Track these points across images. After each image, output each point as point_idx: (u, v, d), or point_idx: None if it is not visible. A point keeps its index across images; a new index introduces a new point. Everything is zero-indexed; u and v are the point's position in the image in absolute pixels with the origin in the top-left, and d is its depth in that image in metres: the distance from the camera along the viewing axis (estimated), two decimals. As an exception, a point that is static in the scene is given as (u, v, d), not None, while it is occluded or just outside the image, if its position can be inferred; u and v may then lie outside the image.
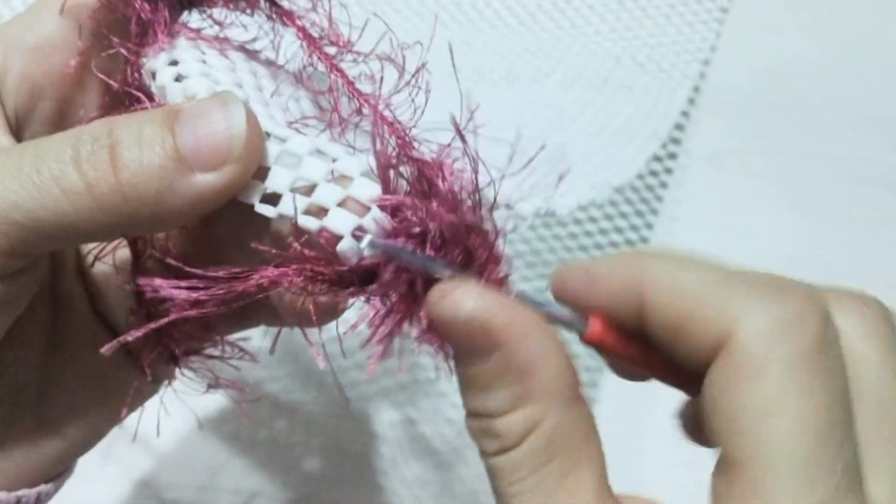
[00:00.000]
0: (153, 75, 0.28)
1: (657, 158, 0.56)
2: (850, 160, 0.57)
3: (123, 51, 0.28)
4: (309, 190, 0.25)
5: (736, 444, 0.21)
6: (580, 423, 0.24)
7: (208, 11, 0.29)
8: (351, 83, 0.28)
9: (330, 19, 0.28)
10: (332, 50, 0.28)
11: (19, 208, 0.23)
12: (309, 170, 0.25)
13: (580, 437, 0.24)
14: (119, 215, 0.23)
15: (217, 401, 0.51)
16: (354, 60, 0.28)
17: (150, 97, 0.28)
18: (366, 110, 0.27)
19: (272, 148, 0.25)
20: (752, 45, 0.58)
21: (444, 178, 0.24)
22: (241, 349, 0.33)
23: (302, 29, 0.28)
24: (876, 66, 0.57)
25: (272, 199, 0.25)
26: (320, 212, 0.25)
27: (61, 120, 0.29)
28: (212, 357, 0.33)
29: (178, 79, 0.27)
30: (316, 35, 0.29)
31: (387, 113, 0.26)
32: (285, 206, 0.25)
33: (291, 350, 0.53)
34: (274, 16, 0.29)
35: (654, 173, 0.57)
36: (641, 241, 0.56)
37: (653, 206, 0.56)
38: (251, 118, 0.24)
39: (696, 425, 0.27)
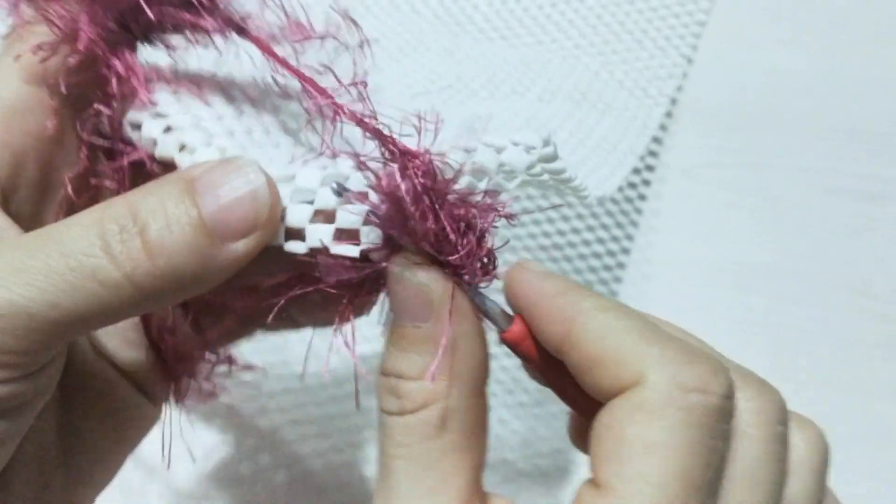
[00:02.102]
0: (135, 126, 0.27)
1: (636, 171, 0.57)
2: (823, 172, 0.57)
3: (103, 108, 0.27)
4: (328, 215, 0.25)
5: (613, 470, 0.23)
6: (476, 415, 0.26)
7: (164, 39, 0.28)
8: (321, 89, 0.27)
9: (287, 15, 0.28)
10: (296, 45, 0.28)
11: (58, 308, 0.23)
12: (325, 199, 0.25)
13: (471, 427, 0.26)
14: (159, 295, 0.24)
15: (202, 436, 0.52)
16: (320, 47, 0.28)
17: (131, 146, 0.28)
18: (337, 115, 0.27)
19: (283, 189, 0.25)
20: (729, 59, 0.59)
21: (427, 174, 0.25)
22: (248, 365, 0.34)
23: (265, 46, 0.28)
24: (850, 80, 0.58)
25: (294, 232, 0.26)
26: (345, 235, 0.25)
27: (45, 182, 0.29)
28: (219, 372, 0.33)
29: (167, 130, 0.27)
30: (277, 31, 0.28)
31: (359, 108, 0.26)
32: (314, 240, 0.25)
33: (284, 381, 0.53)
34: (231, 34, 0.28)
35: (632, 185, 0.57)
36: (623, 252, 0.57)
37: (632, 218, 0.57)
38: (270, 181, 0.25)
39: (581, 436, 0.29)
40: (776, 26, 0.60)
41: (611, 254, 0.57)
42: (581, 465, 0.55)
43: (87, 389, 0.30)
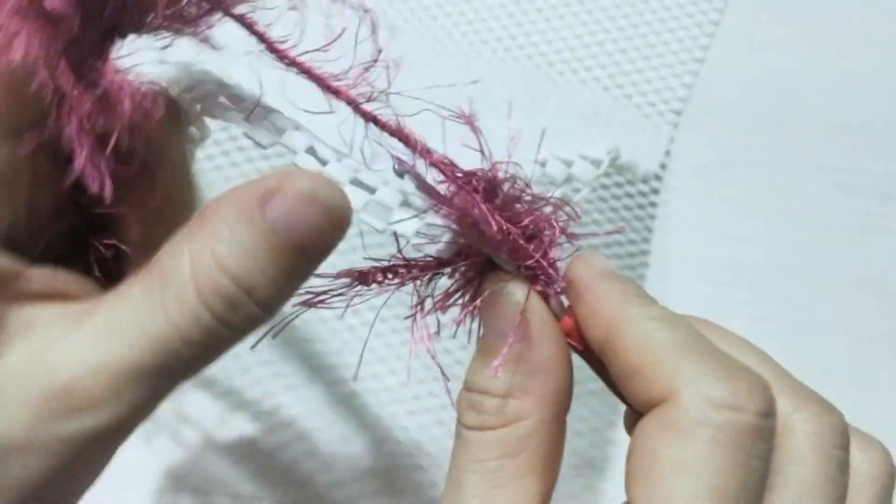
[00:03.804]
0: (260, 143, 0.25)
1: (656, 178, 0.56)
2: (836, 170, 0.57)
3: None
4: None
5: (642, 491, 0.23)
6: (555, 440, 0.26)
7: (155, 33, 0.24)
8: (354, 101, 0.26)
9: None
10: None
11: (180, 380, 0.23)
12: (403, 226, 0.25)
13: (548, 452, 0.26)
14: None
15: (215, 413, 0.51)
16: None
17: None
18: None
19: (361, 195, 0.25)
20: (740, 58, 0.58)
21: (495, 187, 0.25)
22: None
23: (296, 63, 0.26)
24: (861, 78, 0.58)
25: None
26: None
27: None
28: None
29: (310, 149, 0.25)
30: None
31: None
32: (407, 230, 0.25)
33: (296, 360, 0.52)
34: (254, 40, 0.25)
35: (645, 193, 0.57)
36: (642, 254, 0.57)
37: (647, 224, 0.57)
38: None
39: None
40: (786, 27, 0.58)
41: (631, 255, 0.57)
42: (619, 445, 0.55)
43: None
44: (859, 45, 0.58)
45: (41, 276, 0.24)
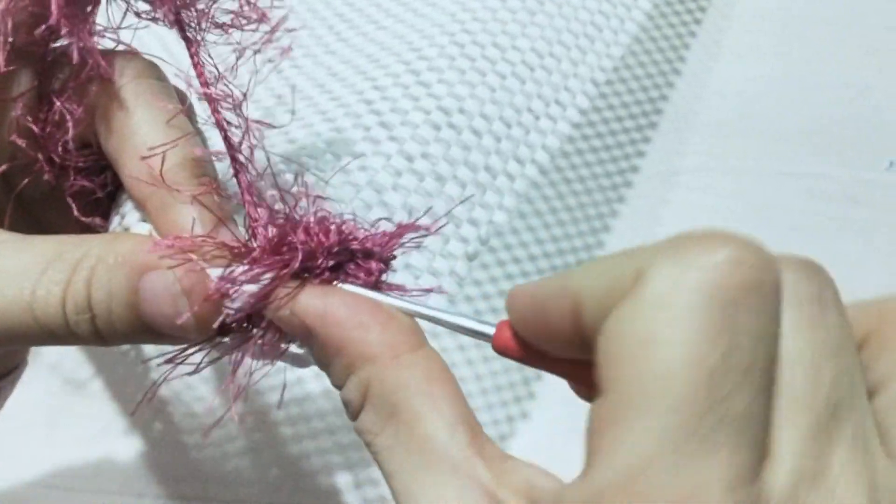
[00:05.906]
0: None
1: (620, 172, 0.56)
2: (804, 176, 0.57)
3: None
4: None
5: (610, 374, 0.18)
6: (415, 372, 0.25)
7: None
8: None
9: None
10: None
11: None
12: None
13: (420, 386, 0.25)
14: None
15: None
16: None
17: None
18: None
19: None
20: (710, 68, 0.59)
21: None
22: None
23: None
24: (829, 87, 0.58)
25: None
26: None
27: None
28: None
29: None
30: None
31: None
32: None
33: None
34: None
35: (608, 201, 0.56)
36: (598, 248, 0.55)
37: (606, 223, 0.56)
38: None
39: None
40: (758, 38, 0.59)
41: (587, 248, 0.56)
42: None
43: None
44: (826, 56, 0.59)
45: None
